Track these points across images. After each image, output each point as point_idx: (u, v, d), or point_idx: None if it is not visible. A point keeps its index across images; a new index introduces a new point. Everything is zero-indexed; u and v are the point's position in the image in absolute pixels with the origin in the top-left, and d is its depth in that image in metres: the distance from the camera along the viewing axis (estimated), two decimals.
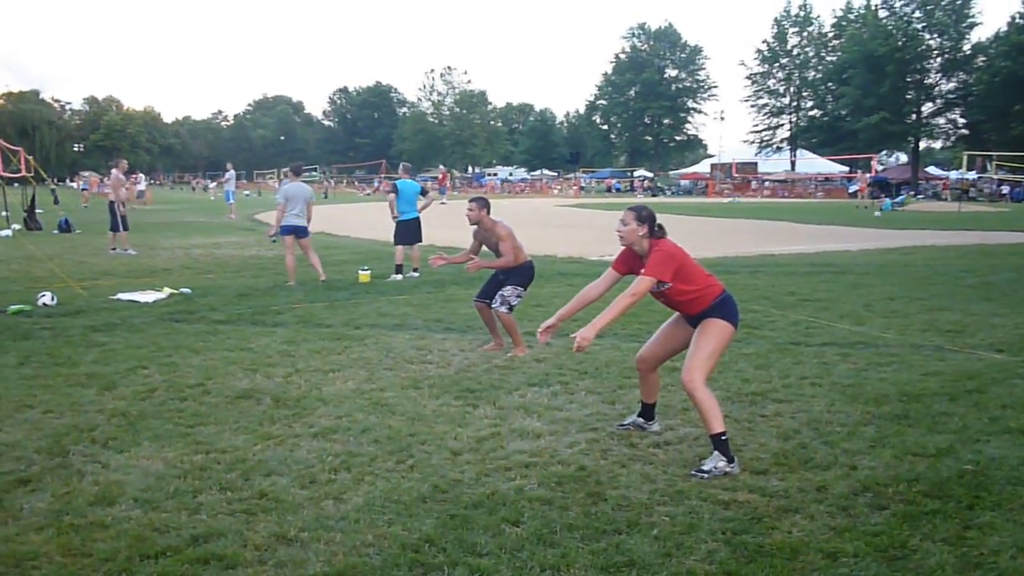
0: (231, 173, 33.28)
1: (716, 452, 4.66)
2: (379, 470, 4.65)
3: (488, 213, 7.79)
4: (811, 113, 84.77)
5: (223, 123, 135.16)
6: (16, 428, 5.47)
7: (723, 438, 4.65)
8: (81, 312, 9.92)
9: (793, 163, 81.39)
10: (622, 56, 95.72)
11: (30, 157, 28.26)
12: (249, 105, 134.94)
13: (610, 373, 6.93)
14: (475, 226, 7.93)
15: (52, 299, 10.44)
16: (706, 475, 4.54)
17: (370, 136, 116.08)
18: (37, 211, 24.54)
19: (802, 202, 54.42)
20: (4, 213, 22.71)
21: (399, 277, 12.66)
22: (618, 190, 77.62)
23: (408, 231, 12.97)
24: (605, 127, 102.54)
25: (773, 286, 11.92)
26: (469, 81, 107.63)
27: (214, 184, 49.30)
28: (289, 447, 5.06)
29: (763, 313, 9.65)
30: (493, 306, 7.73)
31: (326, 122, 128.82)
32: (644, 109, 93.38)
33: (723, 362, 7.18)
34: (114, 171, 17.73)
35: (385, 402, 6.06)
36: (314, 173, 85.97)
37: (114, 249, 16.96)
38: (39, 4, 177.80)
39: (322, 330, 8.81)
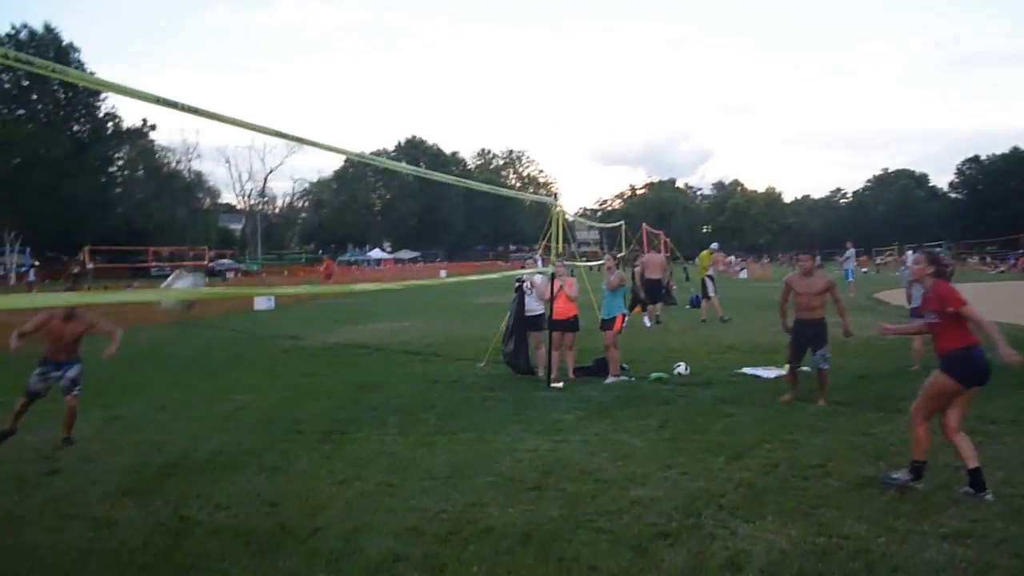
0: (851, 251, 32.95)
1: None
2: None
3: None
4: None
5: (841, 200, 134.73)
6: (659, 485, 6.15)
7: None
8: (710, 383, 10.75)
9: None
10: None
11: (667, 239, 31.75)
12: (868, 181, 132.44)
13: None
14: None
15: (686, 369, 11.53)
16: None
17: (1004, 208, 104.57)
18: (672, 287, 27.28)
19: None
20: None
21: None
22: None
23: None
24: None
25: None
26: None
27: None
28: (916, 545, 4.81)
29: None
30: None
31: (952, 195, 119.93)
32: None
33: None
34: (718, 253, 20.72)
35: None
36: (938, 250, 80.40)
37: (704, 320, 19.35)
38: (663, 109, 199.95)
39: None
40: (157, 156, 79.44)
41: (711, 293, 20.13)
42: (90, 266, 46.83)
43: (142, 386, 11.21)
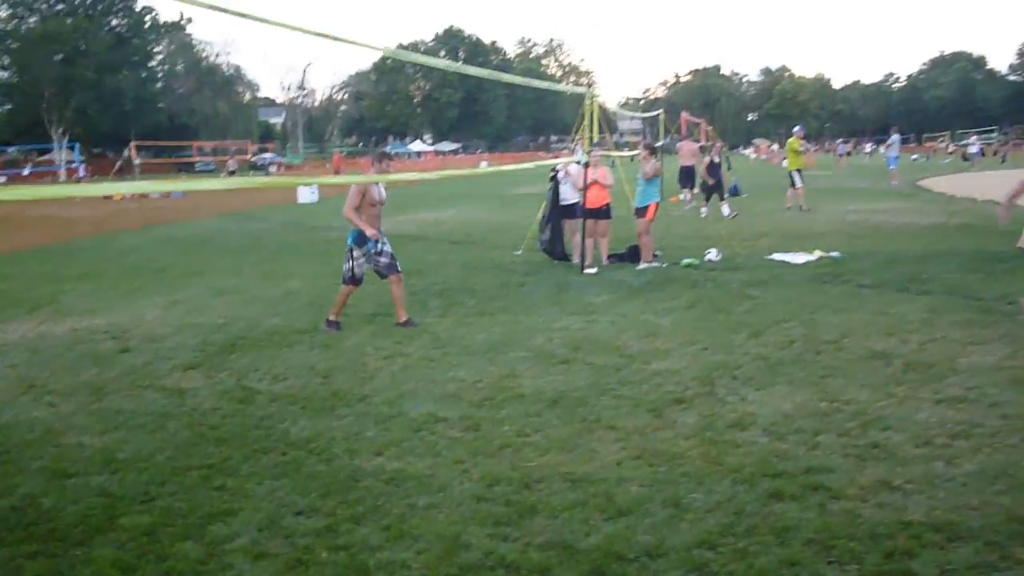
0: (895, 138, 32.37)
1: None
2: (1000, 444, 4.58)
3: None
4: None
5: (894, 85, 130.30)
6: (679, 359, 6.63)
7: None
8: (739, 268, 11.11)
9: None
10: None
11: (710, 127, 31.42)
12: (924, 64, 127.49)
13: None
14: None
15: (717, 255, 11.88)
16: None
17: None
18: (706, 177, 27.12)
19: None
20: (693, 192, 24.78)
21: None
22: None
23: None
24: None
25: None
26: None
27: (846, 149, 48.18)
28: (910, 408, 5.23)
29: None
30: None
31: (1012, 77, 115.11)
32: None
33: None
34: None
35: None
36: (992, 134, 78.00)
37: (788, 207, 19.57)
38: None
39: (970, 302, 8.43)
40: (195, 50, 79.50)
41: (799, 183, 19.75)
42: (136, 161, 47.63)
43: (198, 273, 11.88)
